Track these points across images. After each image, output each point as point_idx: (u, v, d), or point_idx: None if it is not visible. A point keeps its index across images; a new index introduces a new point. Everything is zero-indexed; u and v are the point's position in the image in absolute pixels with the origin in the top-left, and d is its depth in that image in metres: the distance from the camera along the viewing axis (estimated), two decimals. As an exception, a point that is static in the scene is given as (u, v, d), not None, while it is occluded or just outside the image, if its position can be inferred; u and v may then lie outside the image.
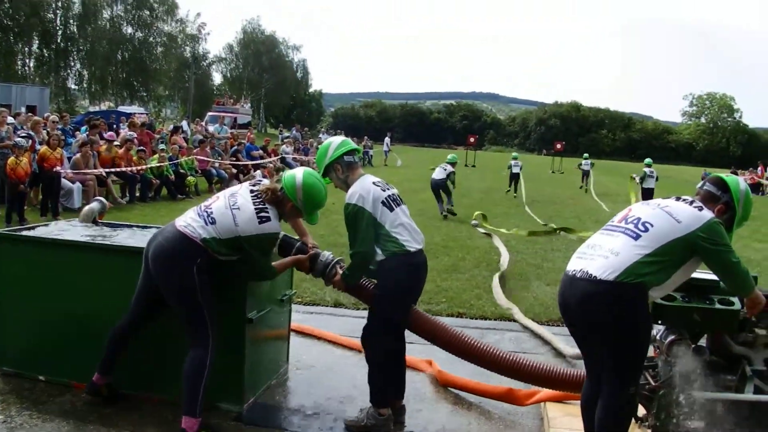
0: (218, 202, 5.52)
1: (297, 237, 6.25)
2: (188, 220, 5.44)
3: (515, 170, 31.77)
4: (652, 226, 4.57)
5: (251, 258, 5.48)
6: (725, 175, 5.10)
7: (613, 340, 4.52)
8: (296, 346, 7.49)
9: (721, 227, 4.60)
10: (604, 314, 4.46)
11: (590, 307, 4.50)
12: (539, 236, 17.36)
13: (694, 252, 4.56)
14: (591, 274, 4.48)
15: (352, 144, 5.95)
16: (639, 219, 4.66)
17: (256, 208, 5.39)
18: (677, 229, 4.52)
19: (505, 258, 13.37)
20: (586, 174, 31.60)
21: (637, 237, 4.54)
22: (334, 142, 5.95)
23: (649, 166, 28.00)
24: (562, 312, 4.84)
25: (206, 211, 5.46)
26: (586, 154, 31.17)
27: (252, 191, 5.54)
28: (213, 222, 5.38)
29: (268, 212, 5.41)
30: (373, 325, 5.78)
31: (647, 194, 25.87)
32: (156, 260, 5.38)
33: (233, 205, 5.42)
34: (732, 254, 4.57)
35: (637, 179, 27.35)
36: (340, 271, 5.86)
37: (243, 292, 5.81)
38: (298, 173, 5.65)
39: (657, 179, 28.27)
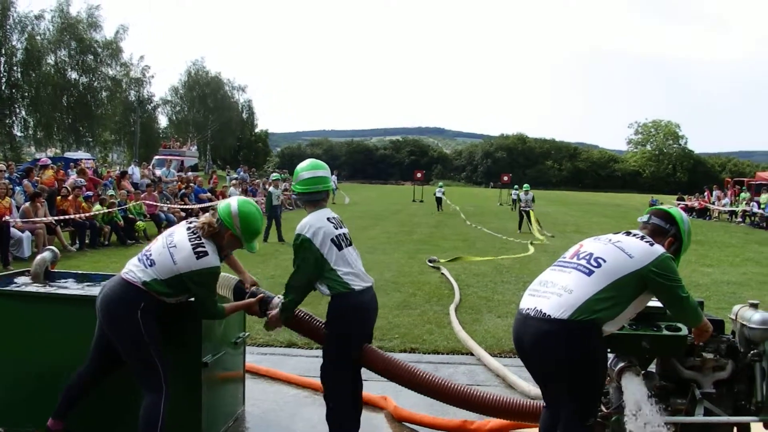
0: (156, 243, 5.59)
1: (235, 276, 6.32)
2: (130, 267, 5.50)
3: (438, 195, 45.81)
4: (604, 261, 4.63)
5: (197, 297, 5.49)
6: (668, 207, 5.21)
7: (569, 378, 4.56)
8: (252, 388, 7.49)
9: (672, 262, 4.72)
10: (559, 353, 4.49)
11: (545, 347, 4.53)
12: (489, 268, 17.44)
13: (646, 286, 4.65)
14: (545, 313, 4.51)
15: (318, 184, 5.98)
16: (591, 254, 4.72)
17: (192, 244, 5.43)
18: (630, 264, 4.60)
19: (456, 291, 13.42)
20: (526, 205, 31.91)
21: (590, 273, 4.60)
22: (302, 174, 6.01)
23: (527, 192, 30.73)
24: (517, 349, 4.85)
25: (146, 254, 5.52)
26: (526, 185, 31.38)
27: (189, 228, 5.59)
28: (152, 264, 5.42)
29: (205, 247, 5.45)
30: (328, 364, 5.82)
31: (526, 214, 29.15)
32: (102, 310, 5.42)
33: (170, 244, 5.47)
34: (682, 289, 4.68)
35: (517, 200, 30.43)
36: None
37: (197, 336, 5.82)
38: (233, 202, 5.72)
39: (533, 200, 31.23)
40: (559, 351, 4.49)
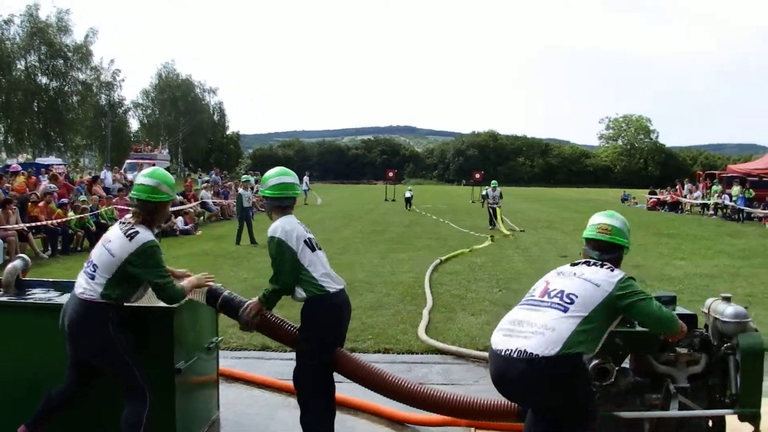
0: (95, 250, 5.62)
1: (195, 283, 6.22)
2: (82, 285, 5.46)
3: (407, 195, 47.43)
4: (576, 297, 4.65)
5: (150, 282, 5.53)
6: (605, 214, 5.25)
7: (560, 411, 4.57)
8: (227, 392, 7.47)
9: (633, 281, 4.79)
10: (550, 390, 4.48)
11: (535, 386, 4.50)
12: (462, 266, 17.43)
13: (617, 312, 4.71)
14: (530, 353, 4.46)
15: (287, 191, 6.03)
16: (563, 292, 4.72)
17: (124, 232, 5.49)
18: (598, 293, 4.65)
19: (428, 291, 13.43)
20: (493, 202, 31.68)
21: (565, 310, 4.60)
22: (271, 180, 6.05)
23: (494, 188, 30.88)
24: (498, 387, 4.78)
25: (89, 264, 5.54)
26: (494, 182, 31.43)
27: (121, 222, 5.67)
28: (95, 268, 5.45)
29: (135, 228, 5.50)
30: (301, 367, 5.82)
31: (493, 210, 29.45)
32: (73, 336, 5.42)
33: (106, 242, 5.54)
34: (652, 302, 4.74)
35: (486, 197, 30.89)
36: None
37: (170, 342, 5.79)
38: (142, 176, 5.76)
39: (501, 196, 31.39)
40: (551, 388, 4.47)
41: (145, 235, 5.47)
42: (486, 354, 8.81)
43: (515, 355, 4.50)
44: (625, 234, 5.12)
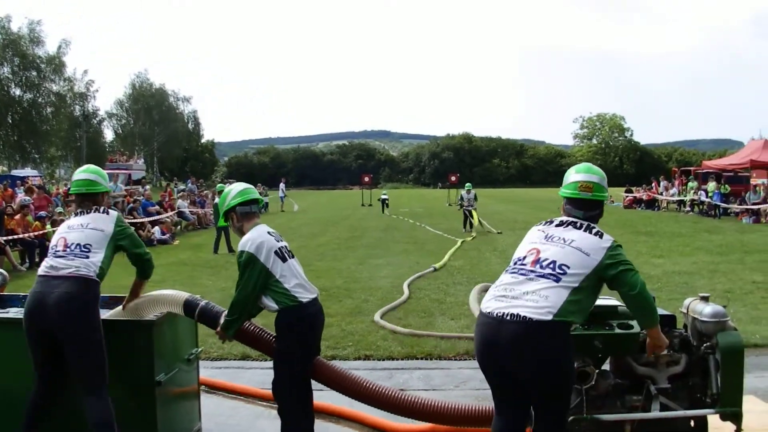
0: (70, 235, 5.81)
1: (182, 292, 6.33)
2: (73, 264, 5.59)
3: (383, 197, 49.43)
4: (568, 267, 4.63)
5: (136, 254, 5.97)
6: (583, 168, 5.20)
7: (549, 378, 4.54)
8: (208, 403, 7.44)
9: (621, 249, 4.76)
10: (542, 353, 4.47)
11: (528, 347, 4.47)
12: (440, 270, 17.44)
13: (602, 281, 4.70)
14: (524, 317, 4.46)
15: (251, 194, 6.08)
16: (555, 262, 4.69)
17: (95, 212, 5.93)
18: (589, 262, 4.63)
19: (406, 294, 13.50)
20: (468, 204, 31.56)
21: (558, 280, 4.59)
22: (233, 190, 6.10)
23: (468, 191, 30.91)
24: (483, 354, 4.74)
25: (72, 247, 5.70)
26: (468, 184, 31.40)
27: (78, 214, 6.02)
28: (89, 247, 5.69)
29: (102, 209, 5.99)
30: (278, 378, 5.81)
31: (468, 213, 29.51)
32: (64, 316, 5.41)
33: (84, 227, 5.82)
34: (638, 275, 4.70)
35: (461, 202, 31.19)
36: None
37: (150, 355, 5.78)
38: (78, 172, 6.25)
39: (476, 198, 31.39)
40: (543, 351, 4.46)
41: (114, 212, 5.98)
42: (444, 334, 9.02)
43: (509, 318, 4.51)
44: (605, 187, 5.10)
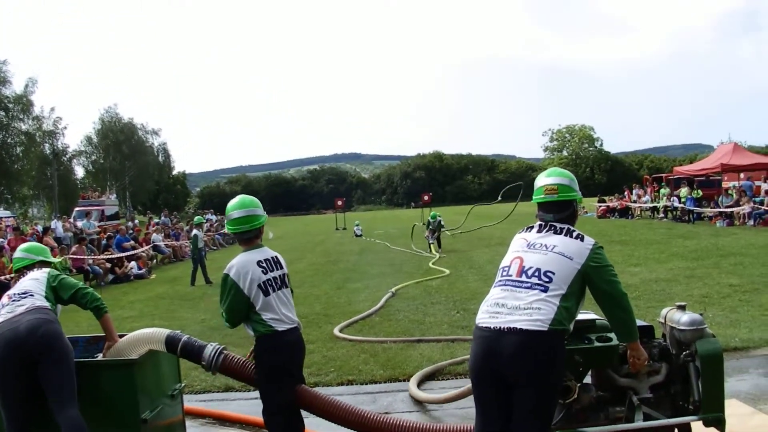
0: (22, 284, 6.40)
1: (163, 329, 6.37)
2: (24, 303, 6.01)
3: (357, 233, 46.33)
4: (553, 274, 4.68)
5: (72, 291, 6.26)
6: (548, 173, 5.27)
7: (544, 388, 4.56)
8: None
9: (603, 251, 4.83)
10: (541, 363, 4.50)
11: (529, 352, 4.49)
12: (418, 291, 17.41)
13: (586, 282, 4.74)
14: (521, 329, 4.50)
15: (248, 225, 6.08)
16: (539, 270, 4.73)
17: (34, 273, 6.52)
18: (572, 266, 4.69)
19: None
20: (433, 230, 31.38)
21: (546, 289, 4.63)
22: (228, 214, 6.16)
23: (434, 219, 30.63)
24: (485, 362, 4.69)
25: (27, 295, 6.15)
26: (432, 213, 31.26)
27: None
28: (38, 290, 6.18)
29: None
30: (265, 406, 5.85)
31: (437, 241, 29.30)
32: (42, 330, 5.67)
33: (31, 279, 6.40)
34: (619, 282, 4.78)
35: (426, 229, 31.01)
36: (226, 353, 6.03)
37: (133, 393, 5.78)
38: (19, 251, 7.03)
39: (442, 225, 31.31)
40: (542, 360, 4.49)
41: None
42: (403, 339, 9.04)
43: (506, 330, 4.55)
44: (573, 186, 5.13)
